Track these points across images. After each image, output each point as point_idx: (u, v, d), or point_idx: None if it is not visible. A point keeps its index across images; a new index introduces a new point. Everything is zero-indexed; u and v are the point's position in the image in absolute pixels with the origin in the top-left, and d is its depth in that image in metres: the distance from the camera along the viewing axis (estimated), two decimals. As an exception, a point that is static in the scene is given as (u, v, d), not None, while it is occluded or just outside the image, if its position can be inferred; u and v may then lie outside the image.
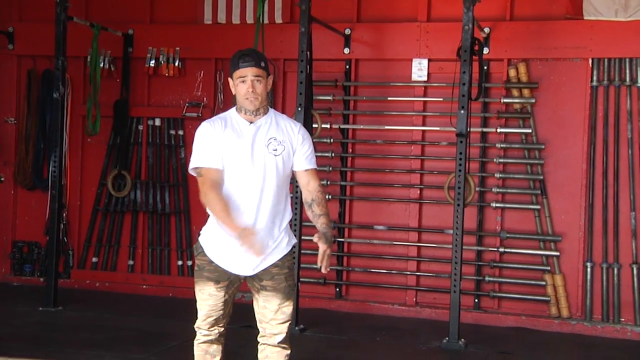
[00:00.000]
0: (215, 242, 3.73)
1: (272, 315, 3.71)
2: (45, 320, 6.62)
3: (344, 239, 7.50)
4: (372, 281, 7.39)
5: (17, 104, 8.29)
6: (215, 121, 3.71)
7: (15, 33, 8.18)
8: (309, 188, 3.71)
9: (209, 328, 3.77)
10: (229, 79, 3.71)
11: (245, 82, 3.59)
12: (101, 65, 7.78)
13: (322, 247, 3.48)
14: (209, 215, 3.76)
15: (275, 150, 3.66)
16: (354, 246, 7.52)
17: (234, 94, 3.68)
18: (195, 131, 3.75)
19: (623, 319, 6.75)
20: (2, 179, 8.32)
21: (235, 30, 7.63)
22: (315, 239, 3.48)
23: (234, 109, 3.73)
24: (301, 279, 6.54)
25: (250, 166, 3.63)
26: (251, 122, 3.67)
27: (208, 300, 3.74)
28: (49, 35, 7.10)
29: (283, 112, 7.48)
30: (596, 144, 6.89)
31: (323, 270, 3.49)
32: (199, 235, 3.87)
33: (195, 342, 3.82)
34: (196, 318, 3.80)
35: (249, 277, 3.72)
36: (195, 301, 3.84)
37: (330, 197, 7.40)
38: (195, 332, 3.83)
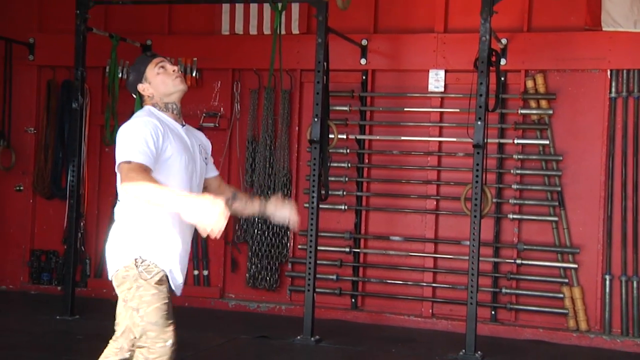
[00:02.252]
0: (166, 246, 3.30)
1: None
2: (63, 329, 6.65)
3: (359, 249, 7.49)
4: (388, 292, 7.39)
5: (36, 114, 8.39)
6: (152, 119, 3.28)
7: (35, 44, 8.29)
8: (222, 190, 3.66)
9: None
10: (139, 85, 3.43)
11: (165, 68, 3.39)
12: (119, 75, 7.78)
13: (279, 203, 3.58)
14: (137, 216, 3.31)
15: (206, 159, 3.54)
16: (370, 257, 7.52)
17: (148, 94, 3.40)
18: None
19: (643, 333, 6.75)
20: (22, 187, 8.40)
21: (252, 40, 7.68)
22: (263, 206, 3.58)
23: (151, 108, 3.39)
24: (317, 290, 6.53)
25: (192, 172, 3.39)
26: (182, 125, 3.45)
27: (170, 326, 3.29)
28: (69, 46, 7.15)
29: (299, 122, 7.71)
30: (615, 156, 6.86)
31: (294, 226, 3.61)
32: (122, 248, 3.31)
33: None
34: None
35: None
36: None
37: (346, 207, 7.42)
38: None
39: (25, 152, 8.34)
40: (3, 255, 8.37)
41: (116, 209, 3.39)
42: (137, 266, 3.24)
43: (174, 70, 3.40)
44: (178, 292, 3.40)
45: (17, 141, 8.29)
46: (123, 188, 3.15)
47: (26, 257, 8.33)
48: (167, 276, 3.30)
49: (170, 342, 3.27)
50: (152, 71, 3.40)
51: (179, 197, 3.02)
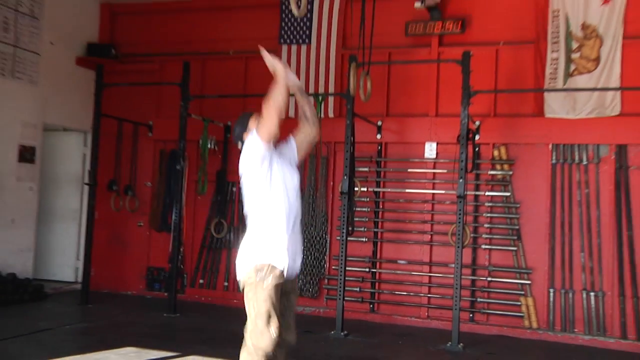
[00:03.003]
0: (280, 250, 3.18)
1: (294, 317, 3.36)
2: (168, 323, 6.74)
3: (376, 269, 7.46)
4: (396, 300, 7.36)
5: (152, 172, 8.56)
6: None
7: (153, 125, 8.50)
8: (305, 124, 3.61)
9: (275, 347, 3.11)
10: (245, 134, 3.42)
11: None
12: (209, 146, 7.88)
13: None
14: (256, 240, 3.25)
15: (294, 152, 3.45)
16: (383, 275, 7.49)
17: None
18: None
19: (576, 330, 6.74)
20: (142, 224, 8.51)
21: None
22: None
23: None
24: (345, 298, 6.56)
25: (292, 174, 3.36)
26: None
27: (276, 320, 3.16)
28: (175, 126, 7.38)
29: (333, 179, 7.59)
30: (556, 204, 6.89)
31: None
32: (246, 261, 3.20)
33: None
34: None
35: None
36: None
37: (366, 239, 7.46)
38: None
39: (144, 199, 8.45)
40: (128, 270, 8.47)
41: (248, 222, 3.30)
42: (256, 272, 3.19)
43: None
44: (293, 276, 3.28)
45: (139, 192, 8.45)
46: (261, 125, 3.15)
47: (143, 272, 8.44)
48: (282, 273, 3.17)
49: (274, 331, 3.10)
50: (254, 123, 3.37)
51: (278, 83, 3.08)
